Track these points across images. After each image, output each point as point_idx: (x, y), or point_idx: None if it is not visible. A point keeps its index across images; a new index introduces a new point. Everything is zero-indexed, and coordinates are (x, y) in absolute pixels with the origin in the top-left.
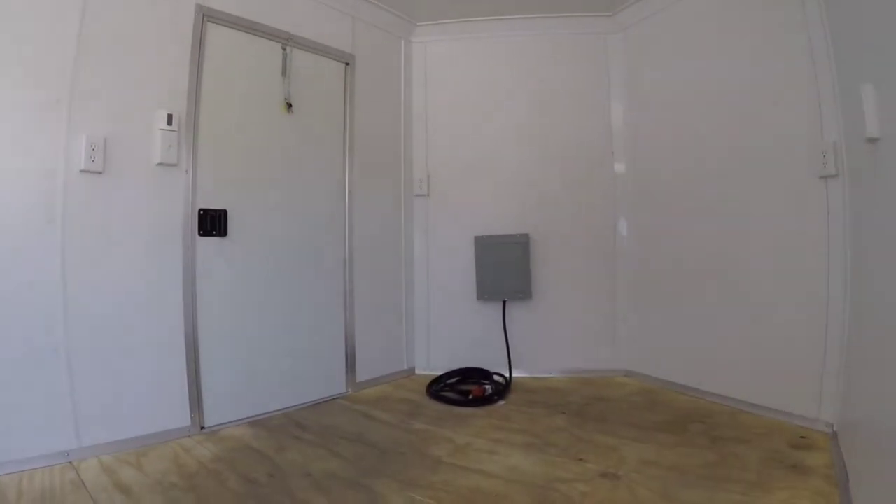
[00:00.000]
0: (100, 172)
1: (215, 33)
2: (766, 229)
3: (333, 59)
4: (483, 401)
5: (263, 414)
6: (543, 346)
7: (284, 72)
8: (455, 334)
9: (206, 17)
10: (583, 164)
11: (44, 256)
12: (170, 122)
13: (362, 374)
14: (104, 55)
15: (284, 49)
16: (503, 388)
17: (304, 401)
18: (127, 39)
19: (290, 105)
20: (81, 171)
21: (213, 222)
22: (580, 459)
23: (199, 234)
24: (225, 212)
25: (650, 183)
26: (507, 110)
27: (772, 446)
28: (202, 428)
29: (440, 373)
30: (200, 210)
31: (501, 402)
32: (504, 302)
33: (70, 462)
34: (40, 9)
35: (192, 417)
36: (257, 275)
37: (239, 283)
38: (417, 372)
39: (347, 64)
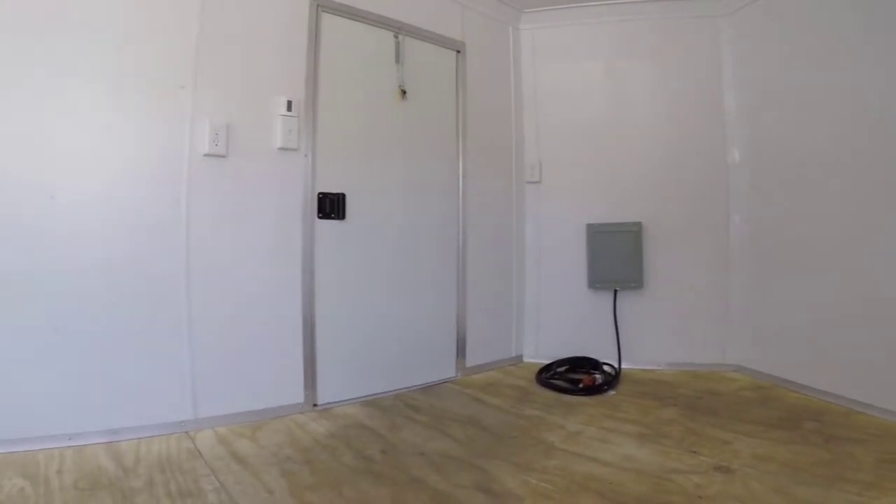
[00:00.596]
0: (223, 156)
1: (330, 22)
2: (887, 222)
3: (444, 47)
4: (593, 390)
5: (375, 394)
6: (653, 338)
7: (398, 59)
8: (564, 323)
9: (321, 6)
10: (694, 153)
11: (169, 235)
12: (289, 108)
13: (472, 360)
14: (225, 44)
15: (397, 37)
16: (612, 379)
17: (414, 383)
18: (246, 29)
19: (404, 92)
20: (205, 154)
21: (331, 205)
22: (693, 451)
23: (318, 217)
24: (343, 195)
25: (766, 173)
26: (616, 96)
27: (888, 448)
28: (315, 405)
29: (548, 361)
30: (320, 194)
31: (611, 393)
32: (615, 291)
33: (186, 432)
34: None
35: (305, 394)
36: (373, 258)
37: (355, 266)
38: (525, 360)
39: (458, 52)
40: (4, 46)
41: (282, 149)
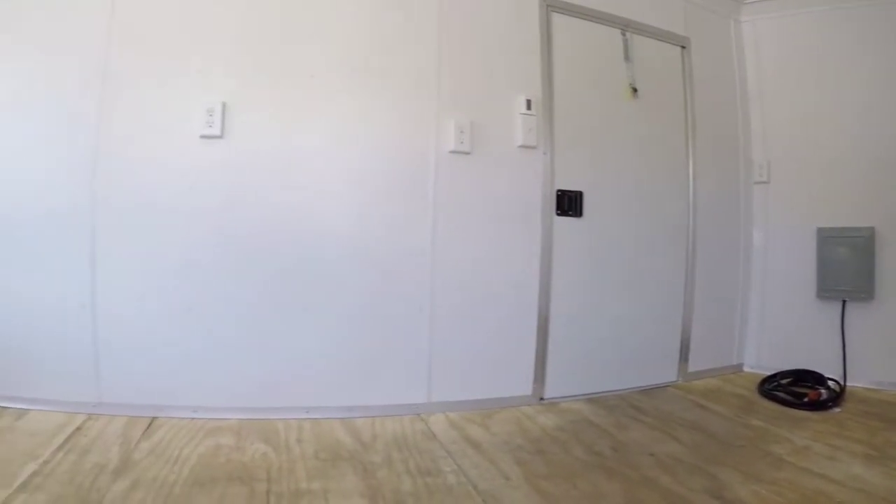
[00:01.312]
0: (468, 153)
1: (559, 22)
2: None
3: (669, 43)
4: (818, 405)
5: (598, 393)
6: (880, 355)
7: (627, 57)
8: (788, 332)
9: (550, 6)
10: None
11: (415, 227)
12: (528, 106)
13: (694, 365)
14: (462, 45)
15: (624, 34)
16: (837, 395)
17: (636, 384)
18: (481, 30)
19: (635, 90)
20: (451, 151)
21: (569, 203)
22: None
23: (557, 214)
24: (581, 193)
25: None
26: (845, 88)
27: None
28: (541, 399)
29: (768, 371)
30: (558, 191)
31: (836, 410)
32: (844, 302)
33: (418, 415)
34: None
35: (534, 387)
36: (606, 257)
37: (589, 264)
38: (745, 369)
39: (683, 47)
40: (279, 76)
41: (522, 146)
